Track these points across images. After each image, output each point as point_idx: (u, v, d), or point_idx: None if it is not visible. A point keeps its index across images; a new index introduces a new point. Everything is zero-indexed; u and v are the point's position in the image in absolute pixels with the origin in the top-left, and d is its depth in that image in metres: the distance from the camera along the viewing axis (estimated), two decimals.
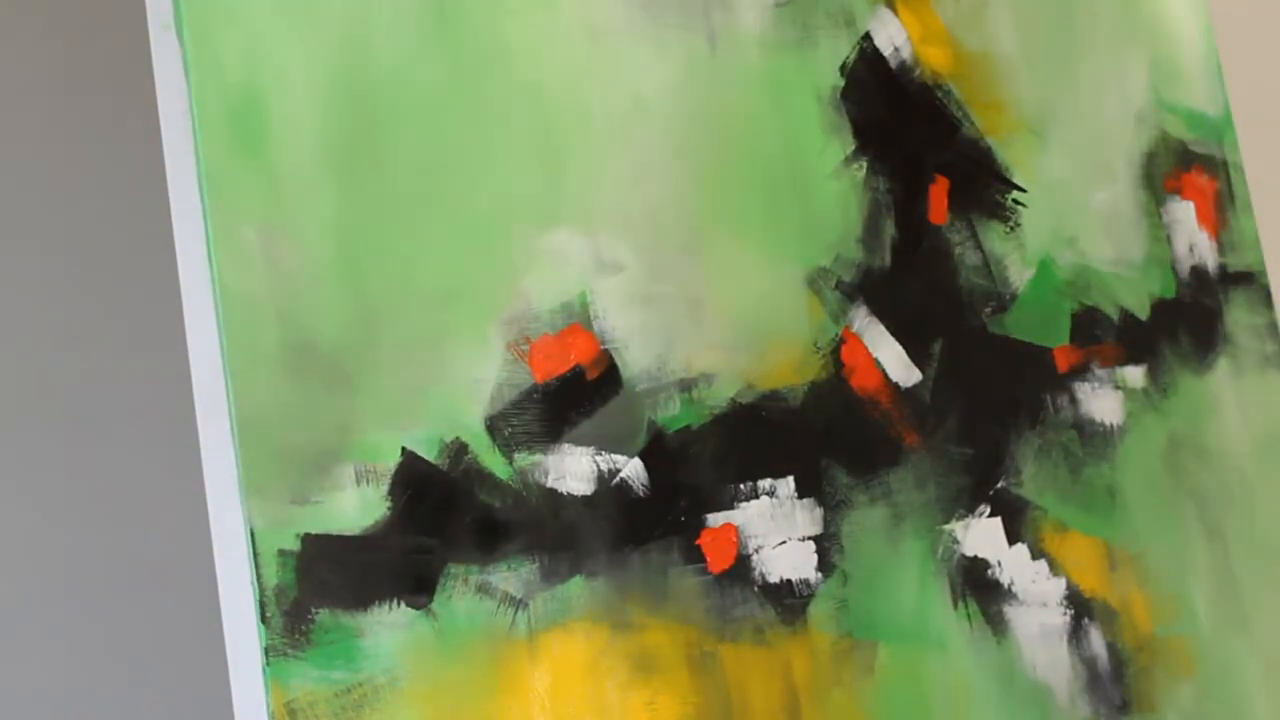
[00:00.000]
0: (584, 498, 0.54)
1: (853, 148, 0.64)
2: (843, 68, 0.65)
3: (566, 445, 0.54)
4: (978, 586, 0.63)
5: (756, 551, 0.58)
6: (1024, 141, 0.70)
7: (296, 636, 0.47)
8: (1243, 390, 0.75)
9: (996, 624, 0.63)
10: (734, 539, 0.57)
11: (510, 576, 0.52)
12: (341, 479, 0.49)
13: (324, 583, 0.48)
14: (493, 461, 0.52)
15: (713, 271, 0.59)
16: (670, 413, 0.57)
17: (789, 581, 0.58)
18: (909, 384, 0.64)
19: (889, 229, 0.65)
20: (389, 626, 0.49)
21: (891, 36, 0.66)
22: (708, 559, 0.56)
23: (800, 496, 0.59)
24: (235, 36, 0.50)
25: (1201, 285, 0.75)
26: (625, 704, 0.53)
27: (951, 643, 0.62)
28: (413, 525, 0.50)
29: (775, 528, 0.58)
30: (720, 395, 0.58)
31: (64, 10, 0.75)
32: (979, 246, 0.67)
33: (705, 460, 0.57)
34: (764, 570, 0.58)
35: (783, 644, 0.57)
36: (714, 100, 0.61)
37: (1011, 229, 0.68)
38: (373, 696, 0.48)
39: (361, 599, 0.49)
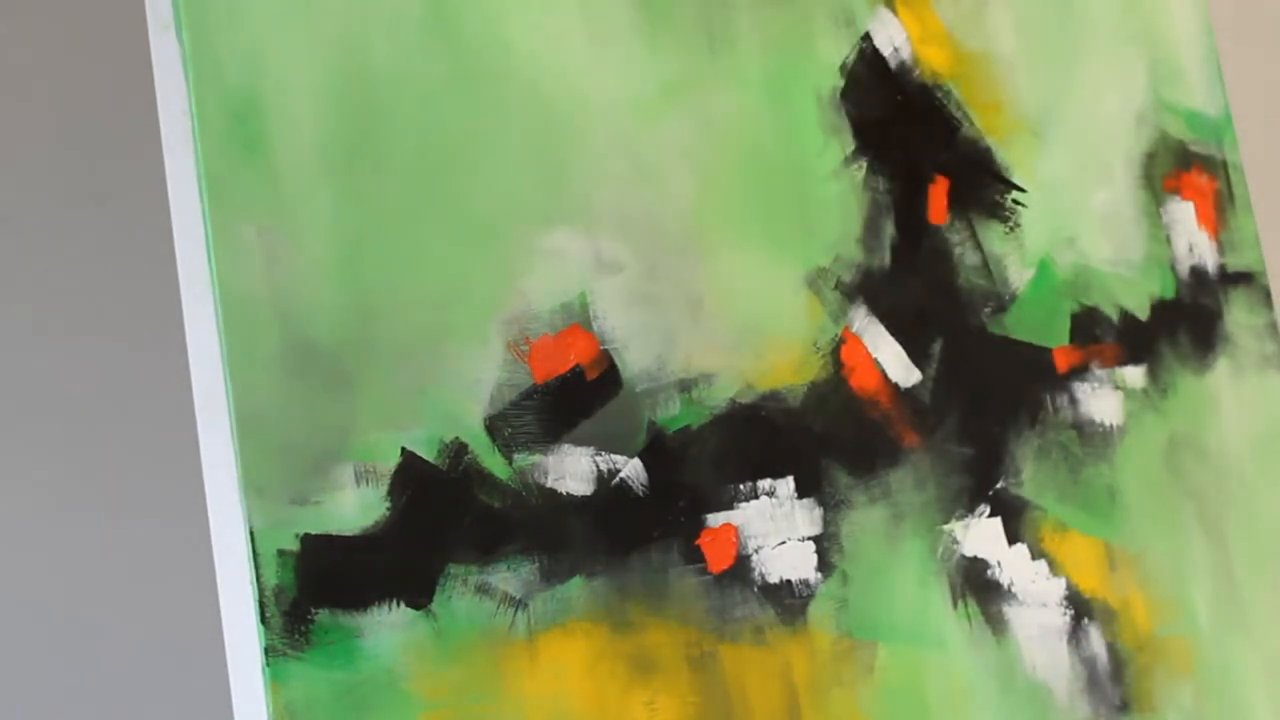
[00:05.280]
0: (583, 498, 0.54)
1: (853, 148, 0.64)
2: (842, 68, 0.65)
3: (566, 445, 0.54)
4: (977, 587, 0.63)
5: (756, 552, 0.58)
6: (1024, 141, 0.70)
7: (296, 637, 0.47)
8: (1243, 390, 0.75)
9: (996, 624, 0.63)
10: (734, 539, 0.57)
11: (510, 577, 0.52)
12: (341, 479, 0.49)
13: (323, 583, 0.48)
14: (492, 462, 0.52)
15: (712, 272, 0.59)
16: (670, 413, 0.57)
17: (789, 582, 0.58)
18: (909, 384, 0.64)
19: (889, 229, 0.65)
20: (389, 627, 0.49)
21: (891, 36, 0.66)
22: (707, 559, 0.56)
23: (800, 496, 0.59)
24: (235, 37, 0.50)
25: (1201, 285, 0.75)
26: (625, 704, 0.53)
27: (951, 643, 0.62)
28: (412, 525, 0.50)
29: (775, 528, 0.58)
30: (720, 395, 0.58)
31: (62, 10, 0.75)
32: (979, 246, 0.67)
33: (705, 460, 0.57)
34: (764, 570, 0.58)
35: (782, 644, 0.57)
36: (713, 100, 0.61)
37: (1011, 229, 0.68)
38: (373, 697, 0.48)
39: (361, 599, 0.49)
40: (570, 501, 0.54)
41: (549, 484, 0.54)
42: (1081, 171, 0.71)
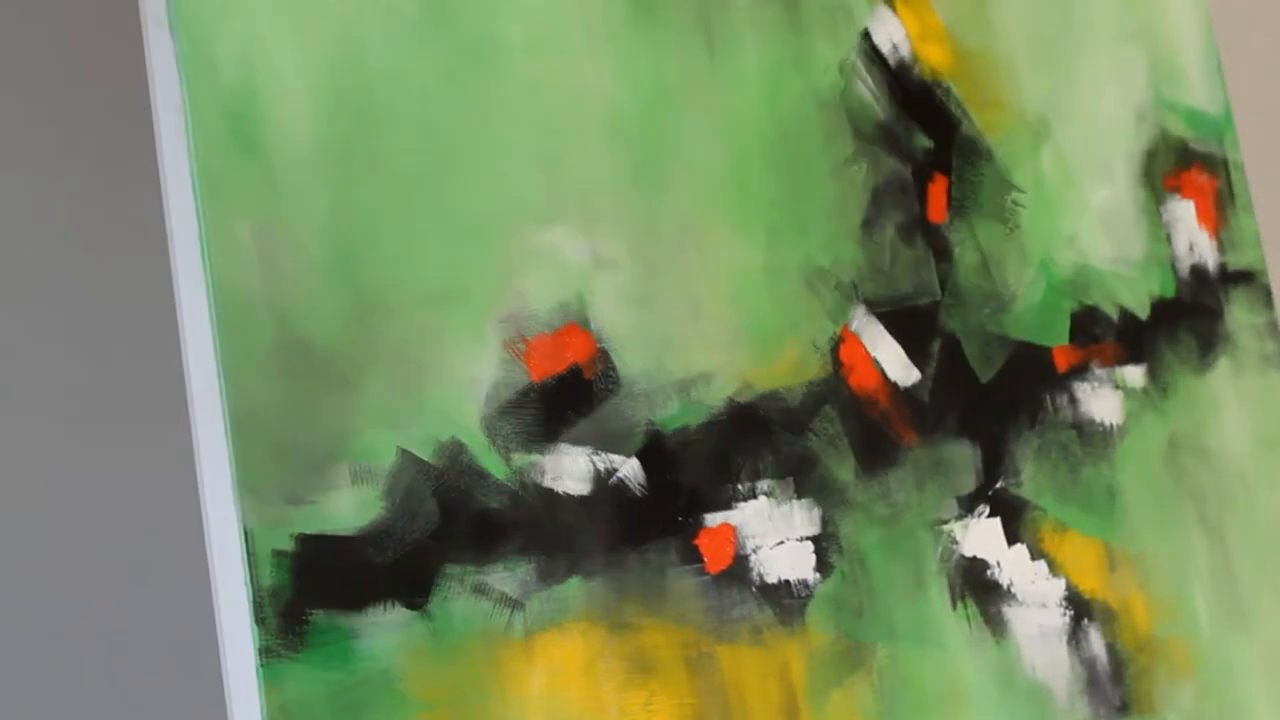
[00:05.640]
0: (581, 498, 0.54)
1: (852, 147, 0.64)
2: (842, 67, 0.64)
3: (563, 445, 0.54)
4: (977, 587, 0.63)
5: (754, 552, 0.57)
6: (1023, 140, 0.70)
7: (292, 638, 0.47)
8: (1243, 390, 0.75)
9: (995, 624, 0.63)
10: (732, 539, 0.57)
11: (507, 577, 0.52)
12: (337, 479, 0.49)
13: (319, 583, 0.48)
14: (489, 461, 0.52)
15: (711, 271, 0.59)
16: (668, 412, 0.57)
17: (787, 582, 0.58)
18: (908, 383, 0.63)
19: (888, 228, 0.64)
20: (385, 627, 0.49)
21: (890, 35, 0.66)
22: (705, 559, 0.56)
23: (798, 496, 0.59)
24: (230, 33, 0.50)
25: (1201, 284, 0.74)
26: (622, 705, 0.53)
27: (950, 643, 0.62)
28: (409, 525, 0.50)
29: (773, 528, 0.58)
30: (718, 395, 0.58)
31: (57, 7, 0.75)
32: (978, 246, 0.67)
33: (703, 460, 0.57)
34: (762, 570, 0.57)
35: (781, 644, 0.57)
36: (711, 99, 0.60)
37: (1011, 228, 0.68)
38: (369, 698, 0.48)
39: (357, 600, 0.49)
40: (568, 501, 0.54)
41: (546, 484, 0.53)
42: (1081, 170, 0.71)
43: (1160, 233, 0.73)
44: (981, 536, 0.64)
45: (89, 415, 0.74)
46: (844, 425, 0.61)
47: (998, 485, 0.65)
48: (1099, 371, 0.69)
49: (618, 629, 0.54)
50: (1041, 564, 0.65)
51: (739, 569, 0.57)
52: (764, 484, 0.58)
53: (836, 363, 0.61)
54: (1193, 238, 0.75)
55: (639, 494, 0.55)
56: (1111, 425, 0.69)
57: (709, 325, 0.58)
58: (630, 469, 0.55)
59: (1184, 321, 0.73)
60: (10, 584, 0.72)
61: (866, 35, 0.65)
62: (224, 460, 0.48)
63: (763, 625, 0.57)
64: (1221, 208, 0.77)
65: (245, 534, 0.47)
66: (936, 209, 0.66)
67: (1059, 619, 0.65)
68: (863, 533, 0.60)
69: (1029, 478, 0.66)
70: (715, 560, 0.56)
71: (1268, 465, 0.74)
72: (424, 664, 0.49)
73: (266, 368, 0.48)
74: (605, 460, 0.55)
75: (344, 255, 0.51)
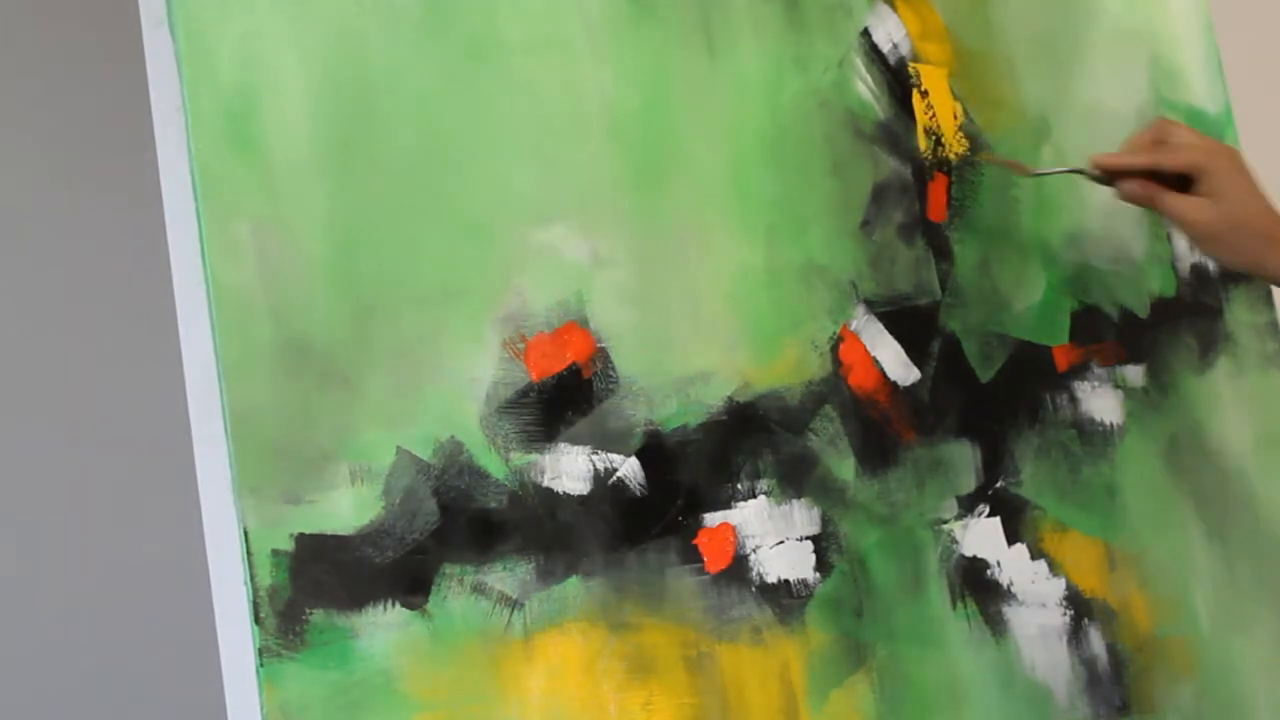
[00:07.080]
0: (580, 497, 0.54)
1: (852, 148, 0.64)
2: (841, 64, 0.64)
3: (563, 444, 0.54)
4: (977, 586, 0.63)
5: (754, 551, 0.57)
6: (1023, 139, 0.70)
7: (290, 637, 0.47)
8: (1243, 390, 0.74)
9: (995, 624, 0.63)
10: (731, 539, 0.57)
11: (506, 576, 0.52)
12: (336, 478, 0.49)
13: (318, 583, 0.48)
14: (488, 461, 0.52)
15: (710, 270, 0.59)
16: (667, 412, 0.57)
17: (786, 581, 0.58)
18: (907, 383, 0.63)
19: (888, 228, 0.64)
20: (384, 627, 0.49)
21: (890, 33, 0.66)
22: (705, 559, 0.56)
23: (798, 496, 0.59)
24: (228, 33, 0.50)
25: (1202, 284, 0.74)
26: (622, 704, 0.53)
27: (950, 643, 0.61)
28: (408, 525, 0.50)
29: (773, 527, 0.58)
30: (717, 394, 0.58)
31: (57, 7, 0.75)
32: (978, 246, 0.67)
33: (702, 459, 0.57)
34: (761, 570, 0.57)
35: (780, 644, 0.57)
36: (711, 98, 0.60)
37: (1011, 226, 0.68)
38: (367, 698, 0.48)
39: (356, 599, 0.49)
40: (567, 501, 0.54)
41: (545, 483, 0.53)
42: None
43: (1160, 232, 0.73)
44: (981, 536, 0.64)
45: (88, 415, 0.74)
46: (844, 425, 0.61)
47: (997, 485, 0.65)
48: (1099, 371, 0.69)
49: (617, 629, 0.53)
50: (1041, 563, 0.65)
51: (738, 569, 0.57)
52: (763, 483, 0.58)
53: (836, 362, 0.61)
54: None
55: (638, 493, 0.55)
56: (1111, 424, 0.69)
57: (708, 325, 0.58)
58: (629, 468, 0.55)
59: (1184, 321, 0.73)
60: (10, 583, 0.72)
61: (866, 34, 0.65)
62: (223, 460, 0.48)
63: (762, 625, 0.57)
64: None
65: (244, 533, 0.47)
66: (936, 208, 0.66)
67: (1059, 619, 0.65)
68: (862, 532, 0.60)
69: (1029, 477, 0.66)
70: (715, 560, 0.56)
71: (1268, 464, 0.74)
72: (423, 664, 0.49)
73: (265, 367, 0.48)
74: (604, 459, 0.55)
75: (343, 255, 0.51)
